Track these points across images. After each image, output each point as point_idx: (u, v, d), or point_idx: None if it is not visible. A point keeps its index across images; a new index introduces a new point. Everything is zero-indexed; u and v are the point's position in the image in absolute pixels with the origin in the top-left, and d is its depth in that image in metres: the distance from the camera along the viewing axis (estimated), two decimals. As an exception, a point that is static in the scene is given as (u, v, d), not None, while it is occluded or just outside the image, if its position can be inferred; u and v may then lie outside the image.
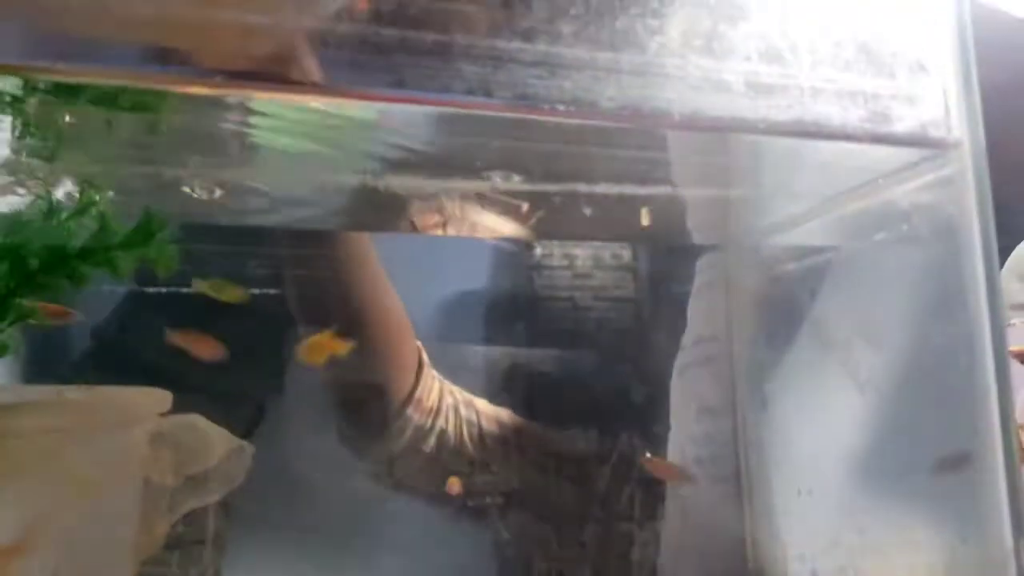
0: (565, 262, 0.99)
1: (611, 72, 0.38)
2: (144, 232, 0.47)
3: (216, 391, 0.55)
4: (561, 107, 0.38)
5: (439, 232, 0.77)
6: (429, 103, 0.37)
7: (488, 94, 0.37)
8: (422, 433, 0.82)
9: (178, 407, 0.49)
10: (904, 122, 0.43)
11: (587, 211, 0.73)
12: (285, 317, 0.80)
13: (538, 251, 1.00)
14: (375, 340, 0.80)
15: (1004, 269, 0.65)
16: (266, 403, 0.97)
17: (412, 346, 0.83)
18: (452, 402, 0.86)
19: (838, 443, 0.59)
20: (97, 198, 0.49)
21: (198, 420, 0.48)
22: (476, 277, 1.05)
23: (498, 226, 0.92)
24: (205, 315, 0.92)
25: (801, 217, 0.61)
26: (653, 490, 0.72)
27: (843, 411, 0.57)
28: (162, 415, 0.47)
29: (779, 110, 0.41)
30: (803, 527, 0.62)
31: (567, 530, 0.84)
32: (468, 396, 0.87)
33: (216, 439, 0.48)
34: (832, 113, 0.42)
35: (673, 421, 0.72)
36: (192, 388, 0.50)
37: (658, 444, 0.73)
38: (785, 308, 0.64)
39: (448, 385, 0.87)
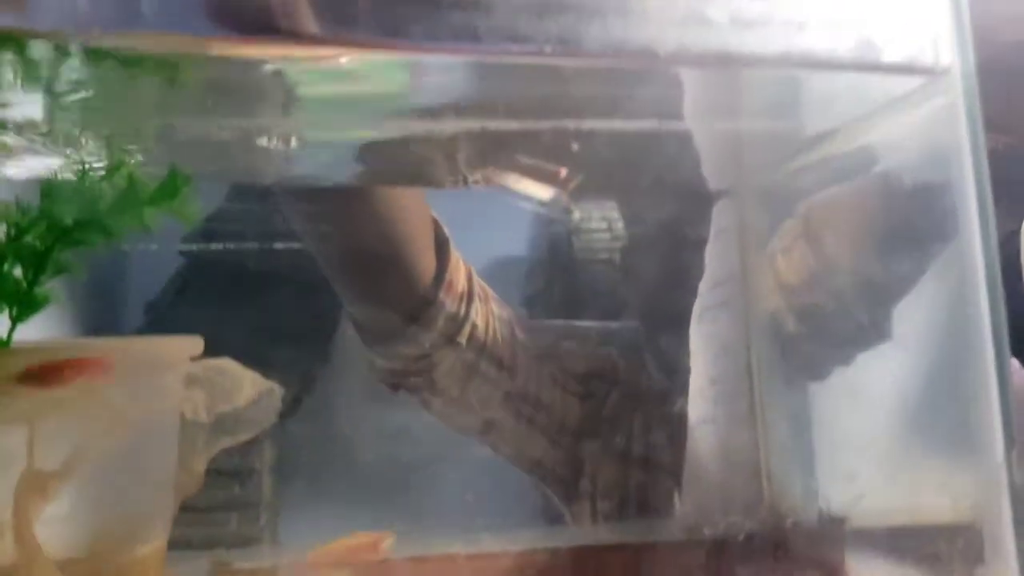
0: (604, 224, 1.01)
1: (595, 13, 0.40)
2: (170, 188, 0.50)
3: (266, 360, 0.58)
4: (548, 48, 0.39)
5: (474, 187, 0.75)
6: (420, 51, 0.39)
7: (476, 39, 0.39)
8: (455, 324, 0.77)
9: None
10: (893, 50, 0.43)
11: (608, 164, 0.74)
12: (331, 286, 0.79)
13: (577, 215, 1.01)
14: (396, 229, 0.73)
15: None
16: (315, 371, 1.01)
17: (427, 216, 0.76)
18: (480, 290, 0.80)
19: (858, 373, 0.60)
20: (127, 159, 0.52)
21: (228, 363, 0.52)
22: (515, 243, 1.07)
23: (535, 191, 0.92)
24: (253, 286, 0.95)
25: (803, 156, 0.61)
26: (678, 426, 0.73)
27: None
28: (194, 359, 0.51)
29: (765, 43, 0.42)
30: (818, 457, 0.63)
31: (603, 445, 0.84)
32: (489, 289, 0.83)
33: (246, 380, 0.51)
34: (819, 44, 0.43)
35: (693, 363, 0.74)
36: (241, 358, 0.53)
37: (681, 385, 0.75)
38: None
39: (471, 267, 0.81)
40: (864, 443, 0.60)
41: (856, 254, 0.63)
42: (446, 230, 0.79)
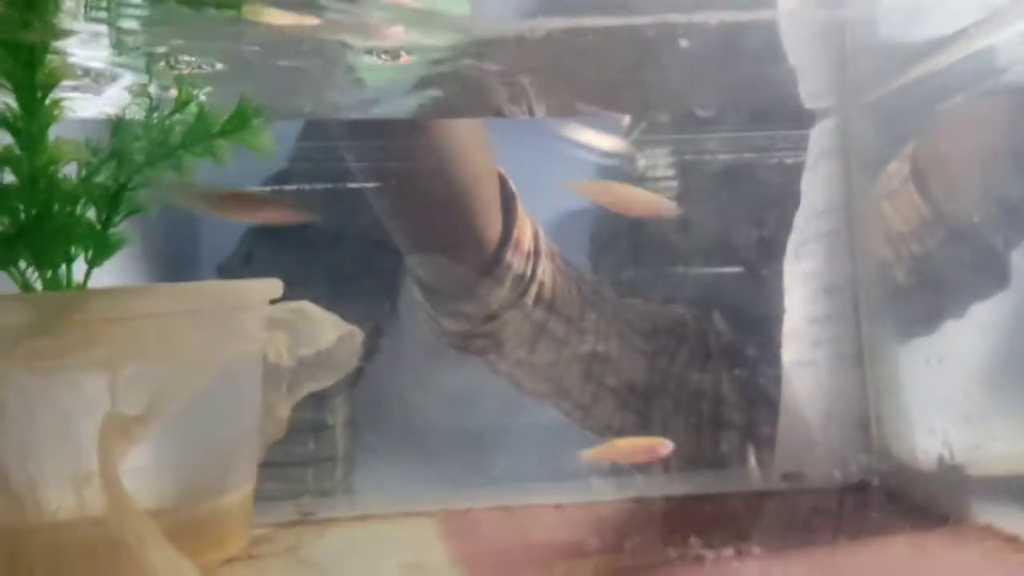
0: (671, 172, 0.96)
1: None
2: (240, 119, 0.47)
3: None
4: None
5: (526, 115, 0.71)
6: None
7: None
8: (523, 284, 0.74)
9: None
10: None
11: (687, 87, 0.69)
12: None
13: (642, 163, 0.97)
14: (452, 171, 0.70)
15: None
16: (383, 327, 1.00)
17: (493, 171, 0.73)
18: (547, 247, 0.77)
19: (969, 308, 0.55)
20: (195, 92, 0.49)
21: (308, 306, 0.49)
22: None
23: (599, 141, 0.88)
24: (324, 244, 0.94)
25: (919, 67, 0.55)
26: (776, 373, 0.69)
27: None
28: (274, 302, 0.49)
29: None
30: (933, 399, 0.58)
31: (679, 411, 0.83)
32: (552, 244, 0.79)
33: (326, 323, 0.49)
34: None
35: (789, 303, 0.69)
36: None
37: (771, 328, 0.70)
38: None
39: (539, 225, 0.77)
40: (987, 383, 0.55)
41: (984, 178, 0.58)
42: (513, 185, 0.75)
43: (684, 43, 0.51)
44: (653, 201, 0.70)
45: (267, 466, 0.52)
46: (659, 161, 0.97)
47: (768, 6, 0.52)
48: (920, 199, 0.64)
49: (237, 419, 0.47)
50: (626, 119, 0.92)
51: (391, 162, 0.72)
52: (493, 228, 0.73)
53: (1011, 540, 0.48)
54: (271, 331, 0.47)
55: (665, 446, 0.64)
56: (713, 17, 0.49)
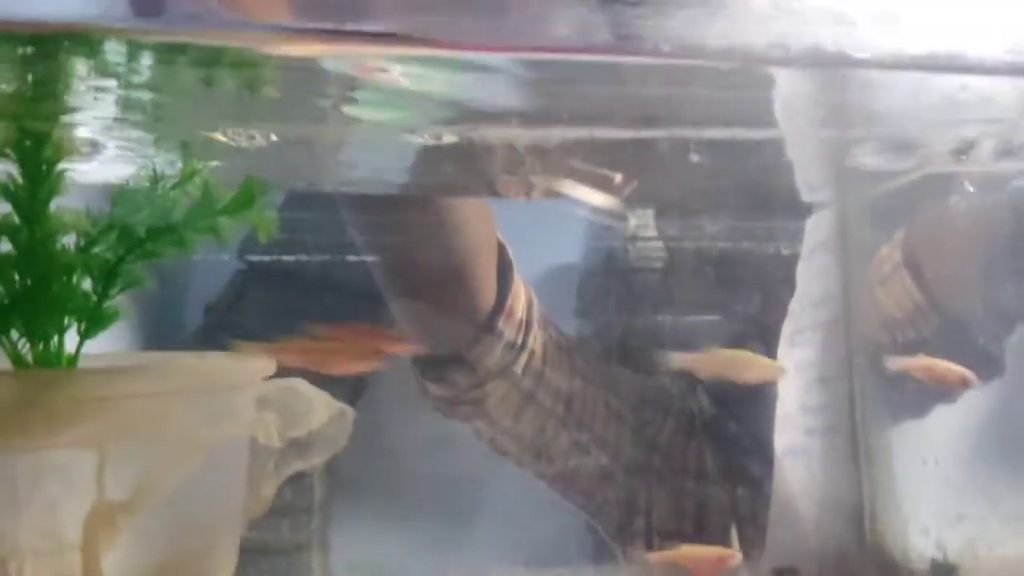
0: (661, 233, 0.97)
1: (719, 7, 0.36)
2: (246, 198, 0.47)
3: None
4: (666, 47, 0.35)
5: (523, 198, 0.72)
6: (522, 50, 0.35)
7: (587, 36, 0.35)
8: (513, 352, 0.74)
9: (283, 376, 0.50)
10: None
11: (683, 175, 0.70)
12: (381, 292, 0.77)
13: (633, 222, 0.98)
14: (454, 239, 0.70)
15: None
16: (366, 377, 0.99)
17: (493, 240, 0.73)
18: (540, 316, 0.77)
19: (968, 409, 0.55)
20: (200, 166, 0.49)
21: (301, 384, 0.49)
22: (570, 250, 1.04)
23: (590, 197, 0.89)
24: (311, 290, 0.94)
25: (922, 166, 0.56)
26: (760, 453, 0.69)
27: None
28: (266, 379, 0.48)
29: (905, 42, 0.38)
30: (928, 498, 0.58)
31: (662, 486, 0.81)
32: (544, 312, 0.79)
33: (318, 402, 0.48)
34: (967, 45, 0.38)
35: (783, 390, 0.69)
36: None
37: (765, 411, 0.70)
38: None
39: (533, 294, 0.77)
40: (986, 488, 0.54)
41: (974, 279, 0.58)
42: (510, 253, 0.75)
43: (695, 158, 0.52)
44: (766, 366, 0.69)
45: None
46: (650, 222, 0.97)
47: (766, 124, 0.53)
48: (913, 285, 0.64)
49: (222, 502, 0.46)
50: (618, 178, 0.93)
51: (385, 238, 0.72)
52: (487, 297, 0.73)
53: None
54: (262, 411, 0.46)
55: (734, 557, 0.63)
56: (724, 133, 0.50)
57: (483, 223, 0.74)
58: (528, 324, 0.75)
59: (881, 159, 0.55)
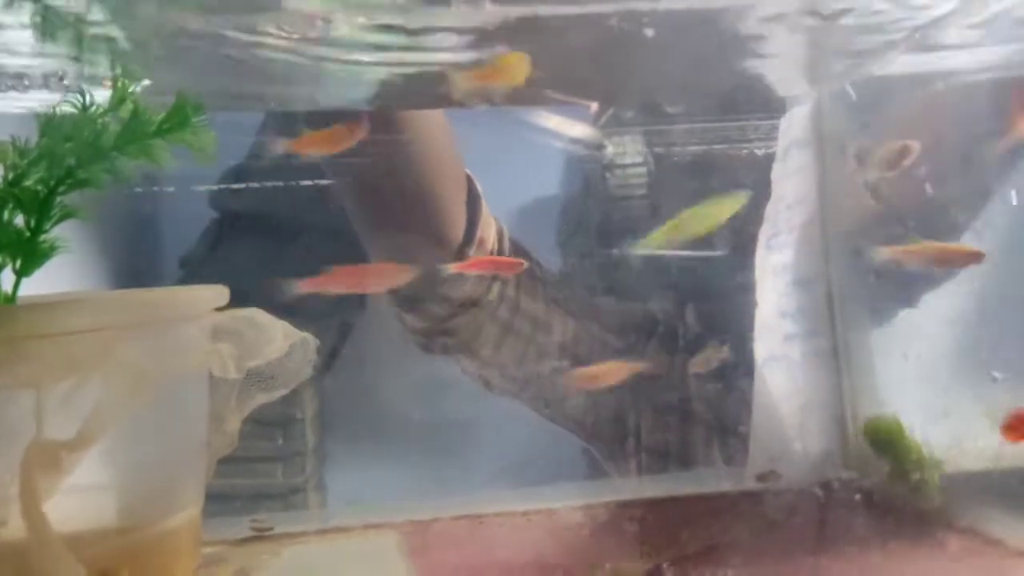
0: (639, 158, 0.95)
1: None
2: (178, 117, 0.44)
3: (303, 311, 0.54)
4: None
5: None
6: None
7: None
8: (485, 282, 0.75)
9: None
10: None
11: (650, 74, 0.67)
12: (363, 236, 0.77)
13: (610, 150, 0.96)
14: (420, 173, 0.71)
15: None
16: (352, 320, 0.98)
17: (461, 173, 0.74)
18: (513, 248, 0.79)
19: (948, 303, 0.53)
20: (131, 89, 0.46)
21: (257, 313, 0.47)
22: (549, 182, 1.03)
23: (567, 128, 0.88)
24: (286, 236, 0.92)
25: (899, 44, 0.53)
26: (741, 363, 0.68)
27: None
28: (220, 310, 0.46)
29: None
30: (909, 395, 0.57)
31: (649, 405, 0.82)
32: (518, 242, 0.80)
33: (277, 332, 0.46)
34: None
35: (760, 296, 0.67)
36: (278, 309, 0.48)
37: (743, 321, 0.69)
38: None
39: (504, 226, 0.78)
40: (967, 382, 0.53)
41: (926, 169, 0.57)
42: (479, 187, 0.75)
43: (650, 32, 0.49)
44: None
45: (234, 462, 0.49)
46: (627, 148, 0.95)
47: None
48: (871, 197, 0.63)
49: (181, 437, 0.44)
50: (594, 107, 0.91)
51: (355, 157, 0.69)
52: (457, 226, 0.73)
53: (994, 544, 0.47)
54: (217, 342, 0.44)
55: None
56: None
57: (446, 147, 0.74)
58: (500, 255, 0.76)
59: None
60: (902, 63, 0.58)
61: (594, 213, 0.94)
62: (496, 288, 0.76)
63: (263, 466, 0.94)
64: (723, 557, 0.46)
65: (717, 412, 0.81)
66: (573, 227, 0.99)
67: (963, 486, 0.53)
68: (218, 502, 0.49)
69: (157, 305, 0.43)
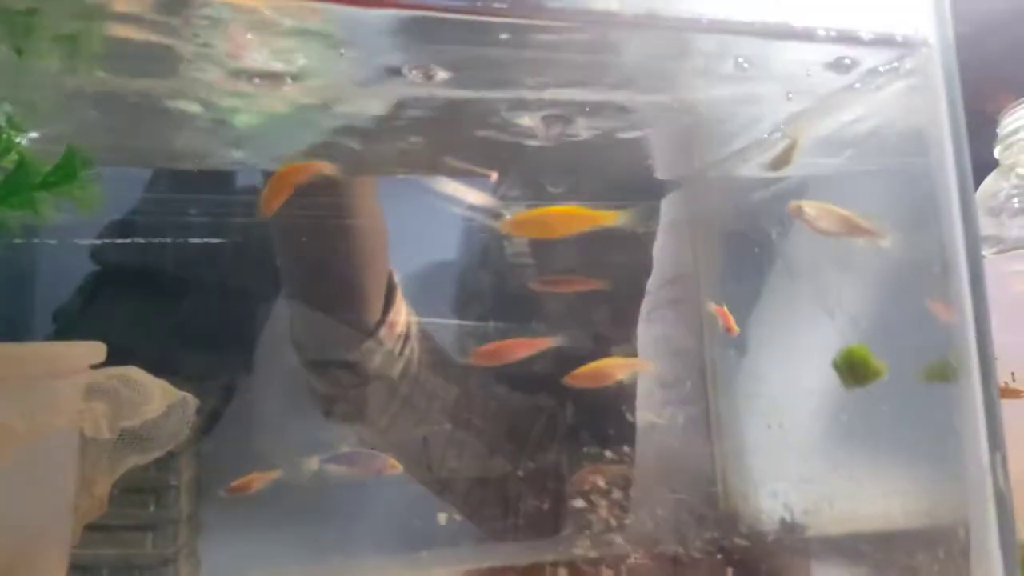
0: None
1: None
2: (66, 170, 0.44)
3: (184, 370, 0.53)
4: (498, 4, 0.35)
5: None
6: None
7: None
8: (391, 359, 0.80)
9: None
10: (869, 23, 0.41)
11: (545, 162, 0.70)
12: (253, 293, 0.79)
13: (508, 217, 0.98)
14: (354, 262, 0.78)
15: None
16: (236, 382, 0.95)
17: (386, 267, 0.81)
18: (420, 333, 0.85)
19: (809, 375, 0.57)
20: (17, 140, 0.45)
21: (134, 371, 0.45)
22: (450, 248, 1.04)
23: (467, 196, 0.91)
24: (168, 294, 0.89)
25: (765, 144, 0.58)
26: (621, 431, 0.70)
27: (814, 342, 0.56)
28: (95, 367, 0.44)
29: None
30: (774, 462, 0.60)
31: (531, 486, 0.83)
32: (426, 328, 0.86)
33: (155, 390, 0.45)
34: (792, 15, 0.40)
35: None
36: (158, 368, 0.47)
37: (626, 390, 0.71)
38: (753, 241, 0.62)
39: (412, 313, 0.84)
40: (827, 449, 0.57)
41: None
42: (396, 278, 0.82)
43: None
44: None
45: (101, 530, 0.47)
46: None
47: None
48: None
49: (46, 499, 0.42)
50: (494, 176, 0.94)
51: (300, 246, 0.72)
52: (375, 310, 0.80)
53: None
54: (90, 401, 0.43)
55: None
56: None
57: (383, 253, 0.81)
58: (407, 338, 0.82)
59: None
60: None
61: (490, 281, 0.96)
62: (400, 365, 0.81)
63: (131, 535, 0.89)
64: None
65: (599, 486, 0.83)
66: (469, 295, 1.00)
67: (821, 548, 0.56)
68: (80, 573, 0.47)
69: (26, 360, 0.41)
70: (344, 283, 0.78)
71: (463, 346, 0.90)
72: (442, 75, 0.47)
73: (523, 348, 0.73)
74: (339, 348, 0.79)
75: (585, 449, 0.83)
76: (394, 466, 0.74)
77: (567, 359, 0.86)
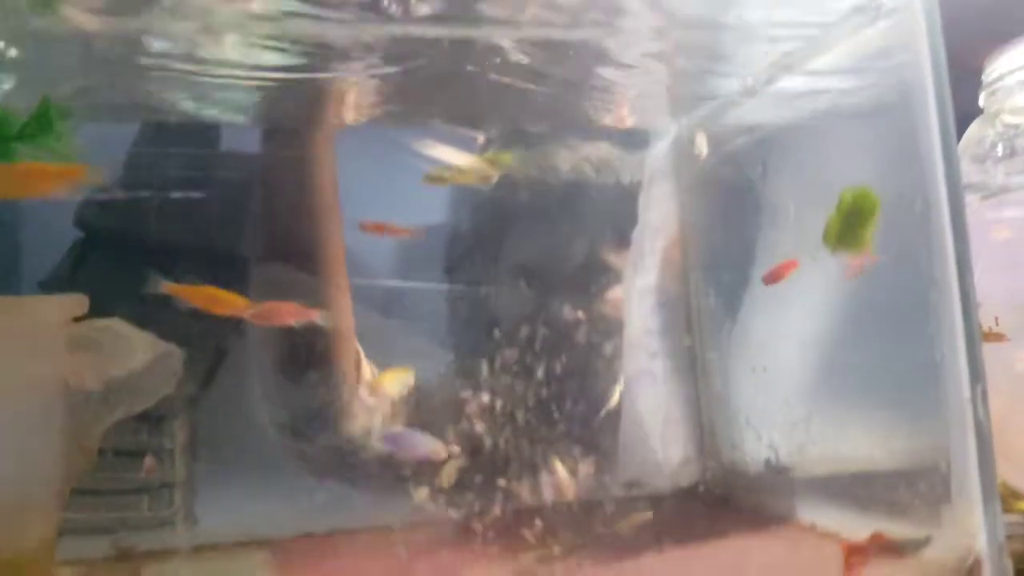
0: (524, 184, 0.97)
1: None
2: (42, 122, 0.43)
3: (175, 334, 0.52)
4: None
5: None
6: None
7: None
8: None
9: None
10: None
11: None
12: (243, 258, 0.77)
13: (495, 177, 0.98)
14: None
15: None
16: (227, 345, 0.95)
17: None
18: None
19: (794, 319, 0.58)
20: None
21: (117, 323, 0.45)
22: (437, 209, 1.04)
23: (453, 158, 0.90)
24: (159, 258, 0.89)
25: (747, 91, 0.58)
26: (607, 377, 0.71)
27: (797, 286, 0.56)
28: (79, 319, 0.44)
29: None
30: (759, 406, 0.61)
31: (522, 416, 0.84)
32: None
33: (139, 342, 0.45)
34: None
35: (628, 315, 0.70)
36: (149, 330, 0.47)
37: (613, 339, 0.72)
38: (737, 189, 0.62)
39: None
40: (812, 391, 0.58)
41: None
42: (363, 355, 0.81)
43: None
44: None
45: (97, 494, 0.47)
46: (512, 175, 0.97)
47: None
48: None
49: (31, 453, 0.42)
50: (480, 137, 0.93)
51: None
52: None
53: (831, 536, 0.51)
54: (74, 353, 0.43)
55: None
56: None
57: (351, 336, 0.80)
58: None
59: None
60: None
61: (478, 243, 0.96)
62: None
63: (128, 498, 0.90)
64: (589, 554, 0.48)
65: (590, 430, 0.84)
66: (459, 255, 1.00)
67: (805, 487, 0.57)
68: (78, 536, 0.47)
69: (10, 315, 0.41)
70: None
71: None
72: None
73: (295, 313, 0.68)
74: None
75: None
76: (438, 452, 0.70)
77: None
